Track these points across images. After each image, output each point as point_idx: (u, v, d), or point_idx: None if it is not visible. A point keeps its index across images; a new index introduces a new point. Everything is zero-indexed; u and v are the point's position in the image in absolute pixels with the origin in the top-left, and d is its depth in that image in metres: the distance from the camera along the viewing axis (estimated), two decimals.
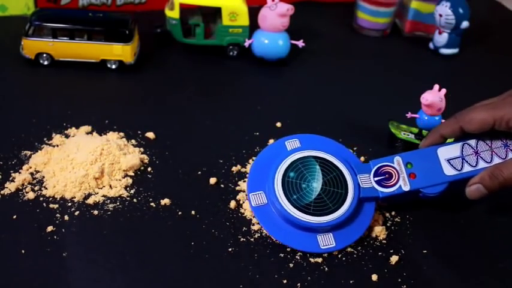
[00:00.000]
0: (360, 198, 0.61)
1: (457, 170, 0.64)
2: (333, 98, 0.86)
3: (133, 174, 0.67)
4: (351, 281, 0.57)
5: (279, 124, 0.77)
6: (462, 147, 0.64)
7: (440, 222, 0.65)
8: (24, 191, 0.63)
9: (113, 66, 0.85)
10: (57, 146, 0.69)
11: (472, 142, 0.65)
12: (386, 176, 0.63)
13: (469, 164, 0.64)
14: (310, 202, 0.60)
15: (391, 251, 0.61)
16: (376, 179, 0.63)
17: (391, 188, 0.63)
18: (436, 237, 0.63)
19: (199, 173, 0.68)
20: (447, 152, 0.65)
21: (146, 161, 0.69)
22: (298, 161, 0.62)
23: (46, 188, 0.64)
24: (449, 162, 0.64)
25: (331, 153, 0.63)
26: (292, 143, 0.65)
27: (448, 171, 0.63)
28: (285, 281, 0.56)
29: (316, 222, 0.59)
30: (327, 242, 0.59)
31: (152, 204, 0.63)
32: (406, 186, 0.63)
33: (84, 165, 0.65)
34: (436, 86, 0.72)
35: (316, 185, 0.61)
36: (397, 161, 0.64)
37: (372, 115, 0.81)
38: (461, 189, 0.64)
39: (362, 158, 0.72)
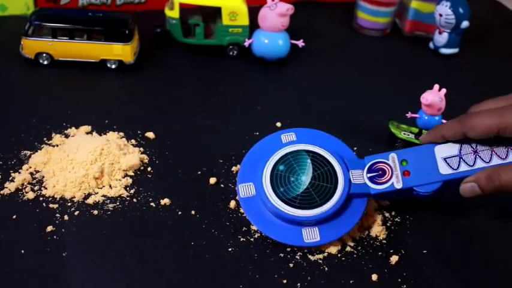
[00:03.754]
0: (350, 194, 0.61)
1: (453, 169, 0.62)
2: (333, 97, 0.86)
3: (133, 174, 0.67)
4: (351, 281, 0.57)
5: (279, 124, 0.77)
6: (461, 146, 0.63)
7: (440, 222, 0.65)
8: (24, 191, 0.63)
9: (113, 66, 0.85)
10: (57, 145, 0.69)
11: (473, 142, 0.63)
12: (380, 172, 0.62)
13: (466, 163, 0.62)
14: (297, 195, 0.60)
15: (391, 251, 0.61)
16: (369, 175, 0.62)
17: (383, 185, 0.62)
18: (436, 237, 0.63)
19: (199, 173, 0.68)
20: (444, 150, 0.63)
21: (146, 161, 0.69)
22: (289, 154, 0.62)
23: (46, 188, 0.64)
24: (446, 161, 0.63)
25: (327, 148, 0.63)
26: (288, 136, 0.65)
27: (444, 170, 0.62)
28: (285, 281, 0.56)
29: (301, 216, 0.59)
30: (311, 236, 0.59)
31: (152, 204, 0.63)
32: (399, 184, 0.61)
33: (84, 165, 0.64)
34: (436, 86, 0.72)
35: (305, 178, 0.61)
36: (392, 157, 0.63)
37: (372, 115, 0.81)
38: (459, 190, 0.63)
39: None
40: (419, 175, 0.62)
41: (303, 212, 0.59)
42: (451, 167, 0.62)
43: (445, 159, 0.63)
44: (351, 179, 0.61)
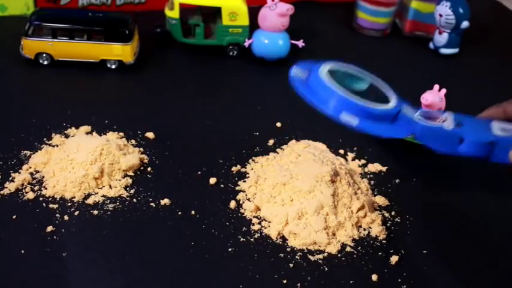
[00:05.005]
0: (398, 114, 0.62)
1: (508, 132, 0.61)
2: None
3: (133, 174, 0.67)
4: (351, 281, 0.57)
5: (279, 124, 0.77)
6: None
7: (440, 222, 0.65)
8: (24, 191, 0.63)
9: (113, 66, 0.85)
10: (57, 146, 0.69)
11: None
12: (432, 118, 0.63)
13: None
14: (346, 86, 0.61)
15: (391, 251, 0.61)
16: (420, 116, 0.63)
17: (433, 123, 0.62)
18: (436, 237, 0.63)
19: (199, 173, 0.68)
20: (503, 124, 0.62)
21: (146, 161, 0.69)
22: (352, 74, 0.65)
23: (46, 188, 0.64)
24: (503, 128, 0.62)
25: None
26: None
27: (498, 131, 0.61)
28: (285, 281, 0.56)
29: (342, 94, 0.59)
30: (350, 119, 0.60)
31: (152, 204, 0.63)
32: (449, 127, 0.61)
33: (84, 165, 0.64)
34: (436, 86, 0.72)
35: (358, 87, 0.62)
36: (448, 114, 0.64)
37: None
38: (460, 186, 0.63)
39: (362, 160, 0.72)
40: (471, 129, 0.62)
41: (345, 94, 0.60)
42: (507, 131, 0.61)
43: (502, 128, 0.62)
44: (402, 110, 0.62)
